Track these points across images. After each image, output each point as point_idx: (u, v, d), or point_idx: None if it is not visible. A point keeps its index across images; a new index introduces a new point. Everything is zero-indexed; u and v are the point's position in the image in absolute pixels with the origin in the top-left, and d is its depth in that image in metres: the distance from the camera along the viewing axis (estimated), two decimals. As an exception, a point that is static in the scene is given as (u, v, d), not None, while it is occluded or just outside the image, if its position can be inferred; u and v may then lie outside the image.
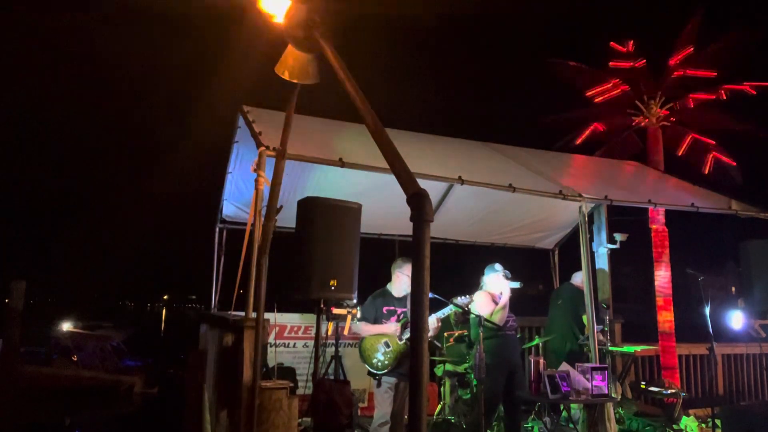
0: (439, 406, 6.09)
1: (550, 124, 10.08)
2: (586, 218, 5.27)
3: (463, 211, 6.87)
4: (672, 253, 7.85)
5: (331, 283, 4.20)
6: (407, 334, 4.69)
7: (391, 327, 4.76)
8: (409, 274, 4.75)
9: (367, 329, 4.81)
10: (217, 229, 6.61)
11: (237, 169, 5.81)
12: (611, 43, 9.42)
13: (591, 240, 6.00)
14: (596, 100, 9.47)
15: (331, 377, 4.89)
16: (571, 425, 5.31)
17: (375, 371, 4.73)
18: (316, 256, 4.14)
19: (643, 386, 6.31)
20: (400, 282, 4.92)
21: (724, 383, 7.73)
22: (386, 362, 4.69)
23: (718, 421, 5.66)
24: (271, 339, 6.11)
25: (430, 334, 5.06)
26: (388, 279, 5.07)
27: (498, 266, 5.29)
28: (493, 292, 5.27)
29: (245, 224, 4.04)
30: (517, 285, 5.22)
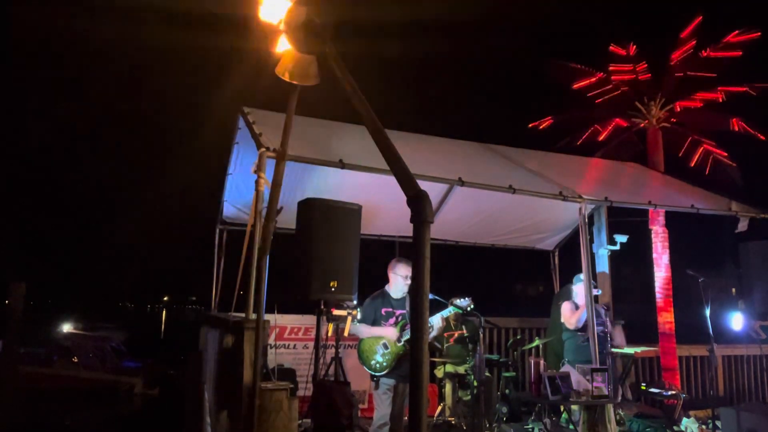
0: (440, 408, 6.09)
1: (551, 126, 10.07)
2: (586, 219, 5.27)
3: (464, 213, 6.87)
4: (672, 254, 7.85)
5: (331, 284, 4.21)
6: (407, 336, 4.68)
7: (390, 331, 4.73)
8: (403, 274, 4.82)
9: (366, 331, 4.79)
10: (218, 231, 6.60)
11: (237, 171, 5.81)
12: (612, 46, 9.41)
13: (591, 241, 6.00)
14: (597, 101, 9.48)
15: (332, 378, 4.88)
16: (571, 426, 5.31)
17: (373, 373, 4.72)
18: (316, 257, 4.14)
19: (643, 387, 6.31)
20: (396, 283, 4.91)
21: (724, 384, 7.73)
22: (384, 364, 4.68)
23: (718, 423, 5.65)
24: (271, 340, 6.11)
25: (434, 333, 5.05)
26: (388, 280, 5.07)
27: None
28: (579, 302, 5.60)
29: (245, 225, 4.03)
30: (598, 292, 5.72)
